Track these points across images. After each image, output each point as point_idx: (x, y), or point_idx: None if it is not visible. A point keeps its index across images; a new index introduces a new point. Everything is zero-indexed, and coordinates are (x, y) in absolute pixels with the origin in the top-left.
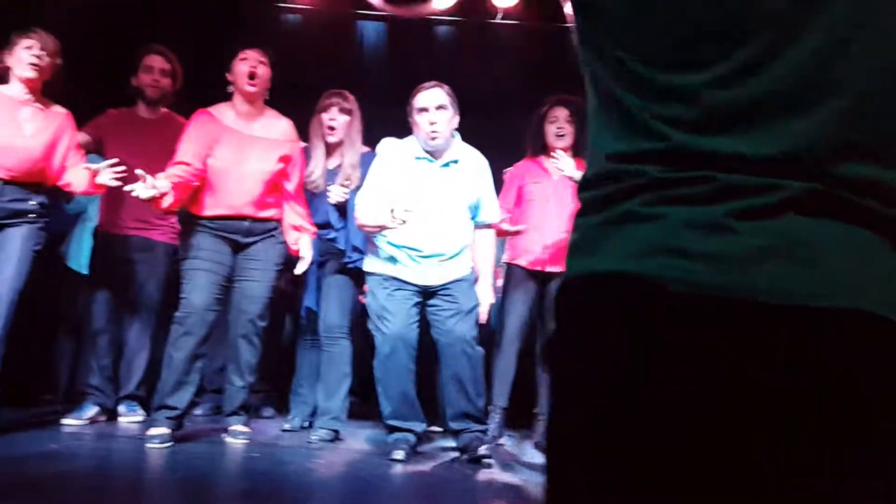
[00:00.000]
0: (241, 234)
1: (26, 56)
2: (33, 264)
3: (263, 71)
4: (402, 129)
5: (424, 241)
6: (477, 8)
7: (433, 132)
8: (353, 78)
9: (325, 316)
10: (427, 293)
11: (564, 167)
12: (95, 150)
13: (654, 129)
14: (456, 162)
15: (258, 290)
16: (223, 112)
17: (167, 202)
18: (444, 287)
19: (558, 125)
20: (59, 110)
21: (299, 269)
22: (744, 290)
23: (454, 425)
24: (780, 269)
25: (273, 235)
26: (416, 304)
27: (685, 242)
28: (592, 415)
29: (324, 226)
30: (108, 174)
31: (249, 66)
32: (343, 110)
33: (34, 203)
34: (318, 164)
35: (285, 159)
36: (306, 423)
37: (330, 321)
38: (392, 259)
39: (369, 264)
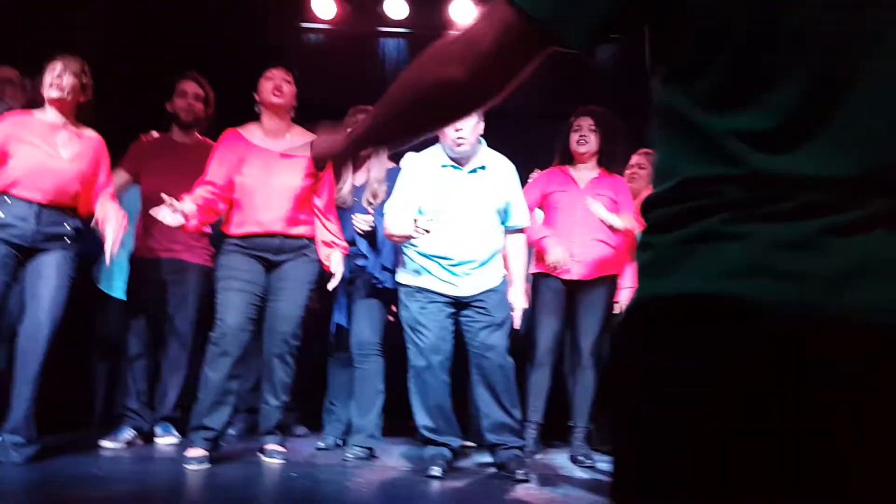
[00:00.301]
0: (272, 251)
1: (49, 78)
2: (69, 291)
3: (288, 88)
4: (425, 143)
5: (454, 249)
6: None
7: (459, 139)
8: (377, 95)
9: (356, 333)
10: (460, 304)
11: (597, 211)
12: (134, 179)
13: (734, 151)
14: (483, 168)
15: (291, 310)
16: (251, 131)
17: (192, 224)
18: (476, 298)
19: (581, 133)
20: (92, 135)
21: (331, 285)
22: (846, 309)
23: (491, 437)
24: (879, 287)
25: (305, 254)
26: (450, 315)
27: (775, 261)
28: (707, 444)
29: (353, 242)
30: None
31: (274, 83)
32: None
33: (69, 227)
34: (346, 180)
35: (314, 175)
36: (340, 441)
37: (362, 338)
38: (424, 270)
39: (401, 276)
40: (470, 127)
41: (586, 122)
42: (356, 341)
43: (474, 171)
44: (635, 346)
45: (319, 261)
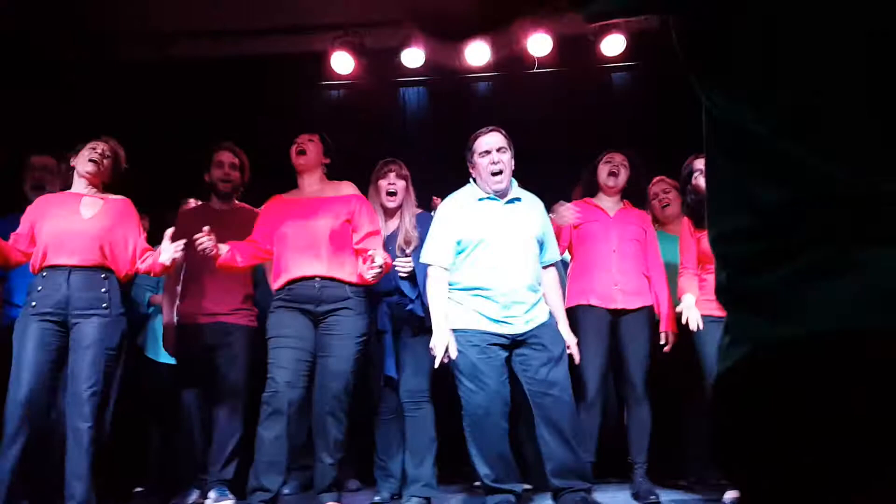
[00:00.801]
0: (314, 301)
1: (88, 153)
2: (111, 362)
3: (312, 147)
4: (452, 187)
5: (498, 278)
6: (513, 61)
7: (497, 174)
8: (401, 143)
9: (405, 382)
10: (514, 343)
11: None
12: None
13: (833, 172)
14: (519, 200)
15: (341, 366)
16: (291, 193)
17: (239, 261)
18: (530, 334)
19: (612, 165)
20: (117, 197)
21: (371, 273)
22: None
23: (557, 482)
24: None
25: (350, 307)
26: (506, 358)
27: None
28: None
29: (391, 293)
30: (170, 251)
31: (297, 146)
32: (400, 176)
33: (105, 291)
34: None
35: (350, 212)
36: (396, 496)
37: (411, 386)
38: (473, 311)
39: (454, 320)
40: (507, 161)
41: (618, 157)
42: (406, 390)
43: (511, 201)
44: (777, 392)
45: (365, 313)
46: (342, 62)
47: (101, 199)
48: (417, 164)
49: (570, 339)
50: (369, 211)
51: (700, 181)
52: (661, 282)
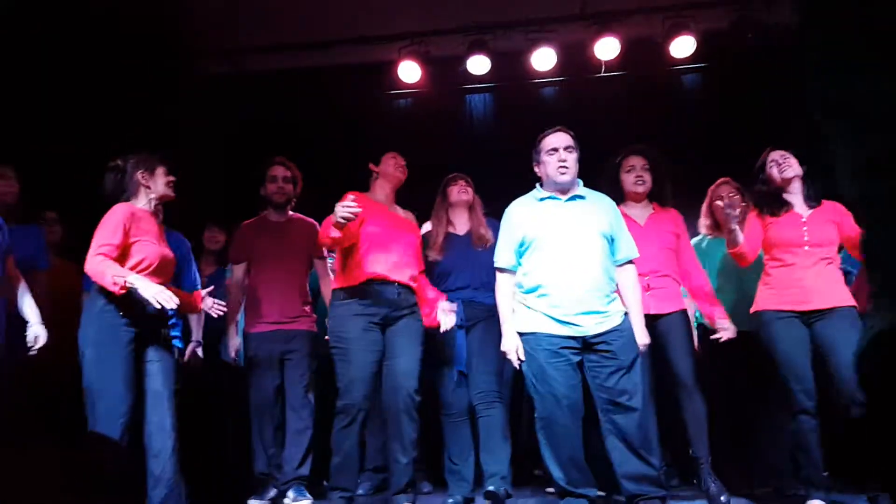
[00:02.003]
0: (392, 306)
1: (166, 179)
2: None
3: (404, 168)
4: (518, 193)
5: (560, 278)
6: (579, 65)
7: (563, 168)
8: (468, 151)
9: (476, 382)
10: (585, 347)
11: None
12: (247, 265)
13: None
14: (582, 198)
15: (411, 365)
16: (370, 194)
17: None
18: (600, 339)
19: (636, 174)
20: (175, 231)
21: (446, 325)
22: None
23: (630, 487)
24: None
25: (415, 311)
26: (577, 362)
27: None
28: None
29: (463, 288)
30: (209, 304)
31: (397, 161)
32: (468, 183)
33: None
34: (441, 232)
35: (420, 241)
36: (469, 499)
37: (483, 386)
38: (540, 314)
39: (522, 324)
40: (573, 160)
41: (639, 162)
42: (478, 390)
43: (573, 198)
44: None
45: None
46: (409, 71)
47: (164, 228)
48: (484, 171)
49: (643, 340)
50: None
51: (774, 171)
52: (700, 278)
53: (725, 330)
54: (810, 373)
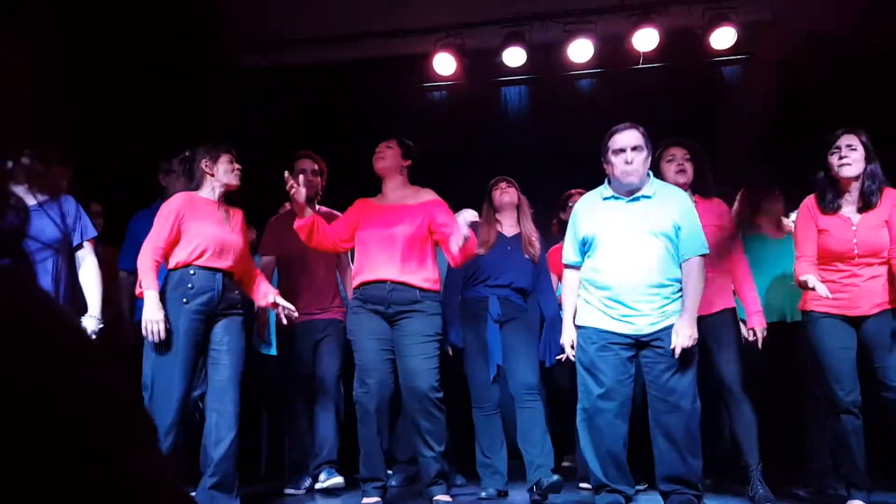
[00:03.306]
0: (384, 303)
1: (229, 166)
2: (245, 354)
3: (390, 153)
4: (552, 185)
5: (616, 276)
6: (616, 56)
7: (628, 171)
8: (503, 143)
9: (518, 376)
10: (640, 344)
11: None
12: (277, 256)
13: None
14: (648, 197)
15: (418, 364)
16: (377, 198)
17: (301, 197)
18: (655, 336)
19: (678, 163)
20: (238, 210)
21: (459, 238)
22: None
23: (665, 488)
24: None
25: (421, 309)
26: (630, 358)
27: None
28: None
29: (503, 286)
30: (280, 310)
31: (377, 153)
32: (510, 184)
33: (239, 294)
34: (492, 233)
35: (428, 217)
36: (502, 492)
37: (524, 381)
38: (597, 309)
39: (579, 317)
40: (640, 160)
41: (680, 152)
42: (518, 385)
43: (636, 199)
44: None
45: (438, 315)
46: (444, 63)
47: (230, 211)
48: (519, 164)
49: (682, 333)
50: (447, 211)
51: (833, 160)
52: (745, 277)
53: (754, 338)
54: (855, 372)
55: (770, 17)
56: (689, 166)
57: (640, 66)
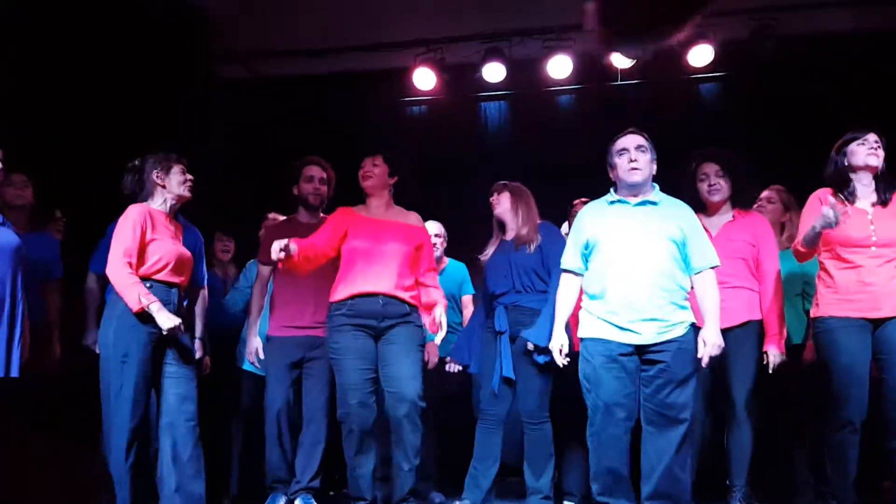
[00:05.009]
0: (377, 317)
1: (182, 177)
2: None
3: (377, 170)
4: (537, 201)
5: (622, 284)
6: (595, 73)
7: (634, 168)
8: (483, 158)
9: (528, 399)
10: (641, 352)
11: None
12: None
13: None
14: (654, 203)
15: (407, 371)
16: (360, 208)
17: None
18: (657, 349)
19: (710, 182)
20: (177, 224)
21: (438, 339)
22: None
23: (649, 503)
24: None
25: (409, 320)
26: (634, 370)
27: None
28: None
29: (504, 293)
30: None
31: (363, 170)
32: (499, 192)
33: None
34: (492, 246)
35: (419, 243)
36: None
37: (532, 406)
38: (600, 320)
39: (584, 328)
40: (645, 160)
41: (712, 169)
42: (526, 410)
43: (643, 203)
44: None
45: (424, 327)
46: (424, 78)
47: (178, 226)
48: (498, 179)
49: (710, 341)
50: (431, 246)
51: (861, 151)
52: (771, 295)
53: (772, 361)
54: (867, 387)
55: (747, 34)
56: (723, 182)
57: (619, 82)
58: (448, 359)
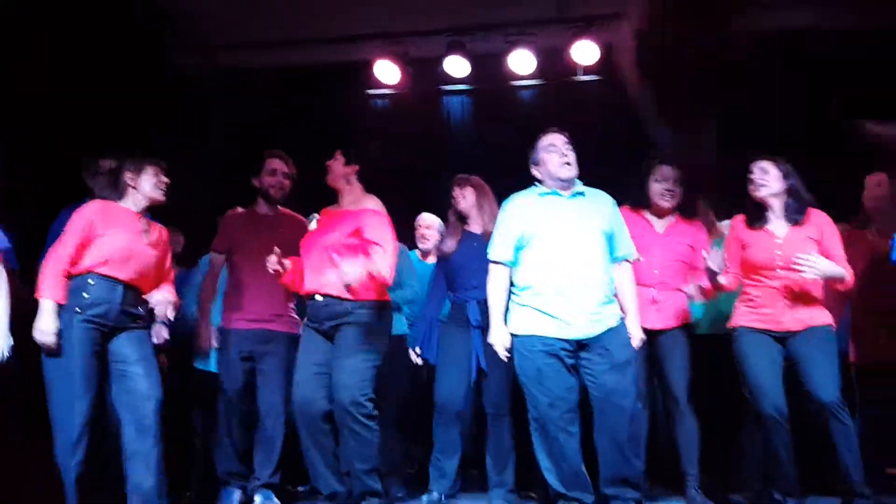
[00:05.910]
0: (318, 320)
1: (155, 180)
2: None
3: (334, 165)
4: (495, 193)
5: (557, 275)
6: (557, 68)
7: (567, 163)
8: (445, 153)
9: (490, 392)
10: (581, 346)
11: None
12: (228, 255)
13: None
14: (583, 195)
15: (344, 378)
16: (335, 206)
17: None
18: (597, 339)
19: (667, 186)
20: (161, 227)
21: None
22: None
23: (608, 491)
24: None
25: (349, 321)
26: (572, 364)
27: None
28: None
29: (476, 287)
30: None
31: (326, 169)
32: (461, 186)
33: (142, 310)
34: (454, 238)
35: (357, 226)
36: (446, 497)
37: (496, 398)
38: (536, 314)
39: (517, 324)
40: (574, 157)
41: (672, 174)
42: (491, 401)
43: (575, 195)
44: None
45: (371, 324)
46: (386, 71)
47: (151, 224)
48: (461, 172)
49: (637, 335)
50: (378, 223)
51: (751, 187)
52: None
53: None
54: (780, 382)
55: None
56: (678, 190)
57: (581, 78)
58: (417, 350)
